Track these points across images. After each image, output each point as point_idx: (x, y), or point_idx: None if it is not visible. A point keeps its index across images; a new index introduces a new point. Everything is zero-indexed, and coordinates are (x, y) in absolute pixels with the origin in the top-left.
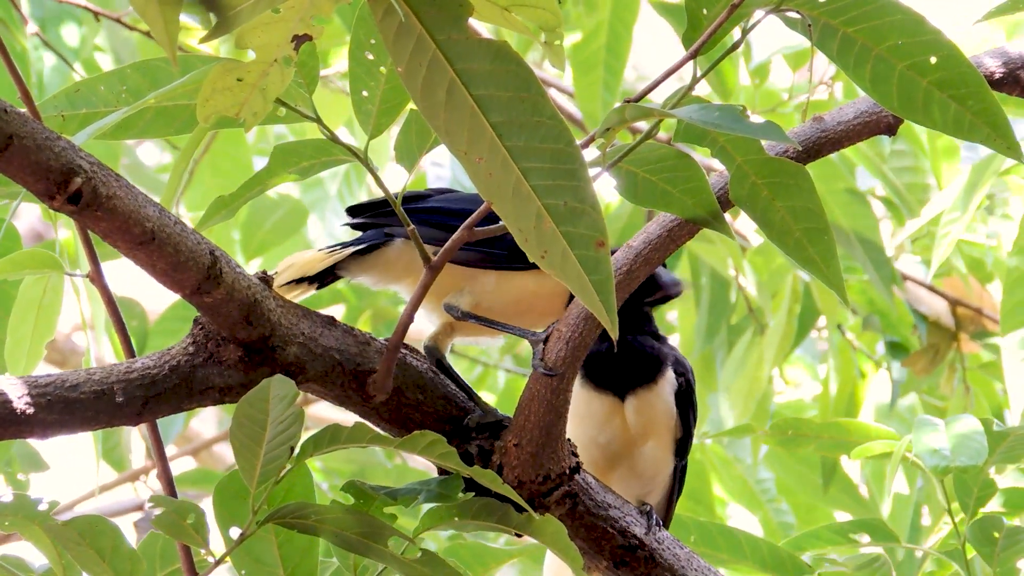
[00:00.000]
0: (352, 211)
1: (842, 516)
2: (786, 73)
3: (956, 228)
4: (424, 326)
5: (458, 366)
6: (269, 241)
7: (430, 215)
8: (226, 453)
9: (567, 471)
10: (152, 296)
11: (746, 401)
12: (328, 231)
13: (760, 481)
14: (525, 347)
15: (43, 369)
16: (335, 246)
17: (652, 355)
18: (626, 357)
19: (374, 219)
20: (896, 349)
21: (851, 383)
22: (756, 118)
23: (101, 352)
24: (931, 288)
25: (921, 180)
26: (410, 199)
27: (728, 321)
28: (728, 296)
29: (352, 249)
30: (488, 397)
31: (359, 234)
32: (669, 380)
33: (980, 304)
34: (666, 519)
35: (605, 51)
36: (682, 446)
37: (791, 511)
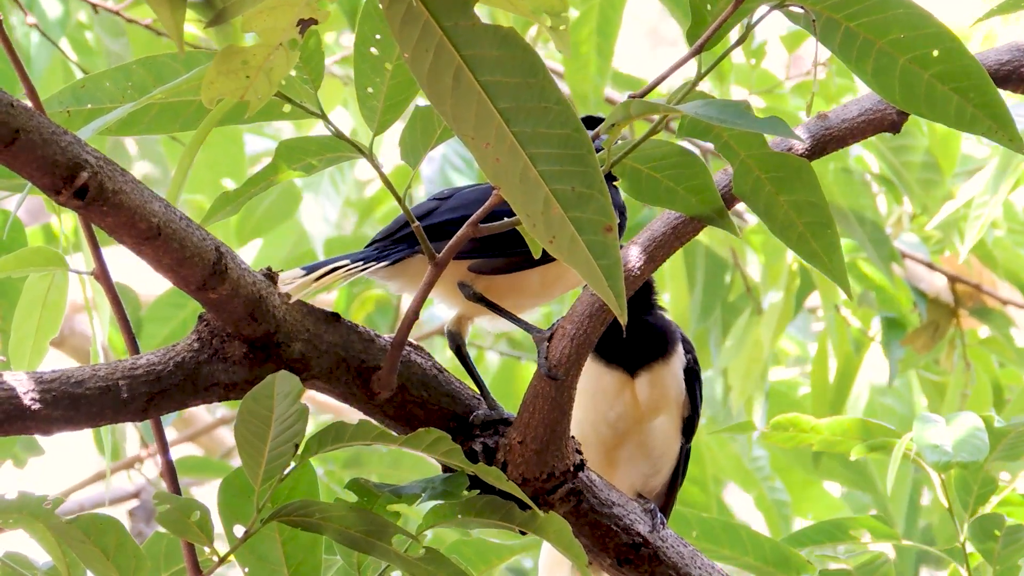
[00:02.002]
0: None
1: (834, 487)
2: (782, 53)
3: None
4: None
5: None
6: (263, 226)
7: (448, 227)
8: (226, 436)
9: (571, 468)
10: (145, 281)
11: (744, 380)
12: (323, 215)
13: (754, 459)
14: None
15: None
16: (357, 257)
17: (663, 331)
18: (638, 332)
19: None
20: (892, 325)
21: (847, 361)
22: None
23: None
24: (930, 265)
25: (918, 159)
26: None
27: (724, 300)
28: (723, 276)
29: (378, 266)
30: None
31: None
32: (679, 356)
33: (979, 280)
34: (668, 504)
35: (596, 34)
36: (689, 425)
37: (785, 489)
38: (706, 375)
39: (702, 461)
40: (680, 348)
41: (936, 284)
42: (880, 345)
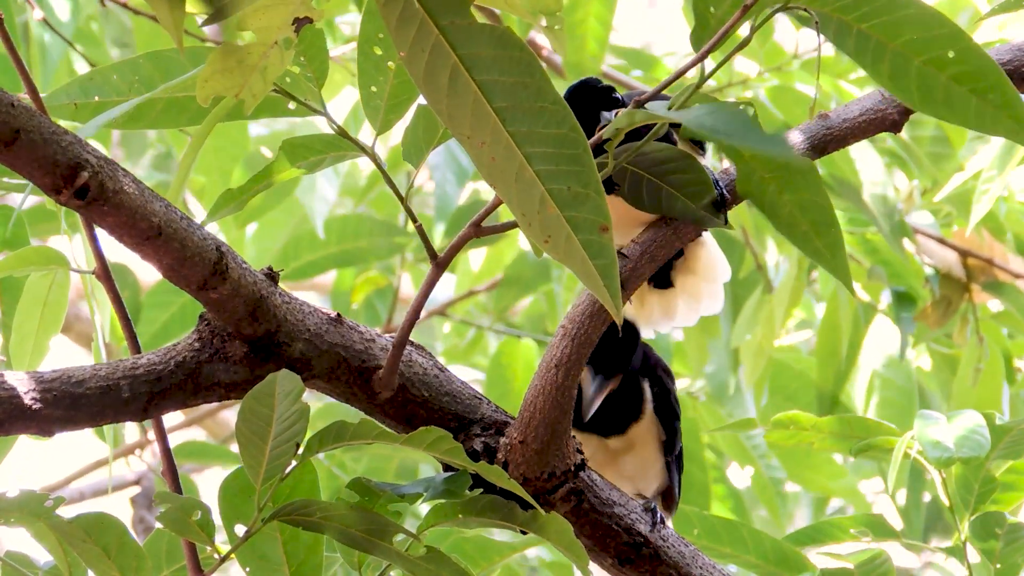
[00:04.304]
0: None
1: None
2: (790, 29)
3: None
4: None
5: (450, 329)
6: (263, 206)
7: None
8: (230, 419)
9: (572, 468)
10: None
11: (756, 358)
12: (320, 195)
13: (751, 436)
14: (517, 310)
15: None
16: None
17: (633, 398)
18: (610, 405)
19: None
20: (903, 299)
21: (854, 334)
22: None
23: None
24: (941, 240)
25: (928, 133)
26: None
27: (736, 277)
28: (734, 253)
29: None
30: (480, 361)
31: None
32: (648, 400)
33: (991, 254)
34: (669, 506)
35: (592, 19)
36: (668, 445)
37: (781, 466)
38: (712, 344)
39: (698, 438)
40: (648, 393)
41: (948, 259)
42: (891, 319)
